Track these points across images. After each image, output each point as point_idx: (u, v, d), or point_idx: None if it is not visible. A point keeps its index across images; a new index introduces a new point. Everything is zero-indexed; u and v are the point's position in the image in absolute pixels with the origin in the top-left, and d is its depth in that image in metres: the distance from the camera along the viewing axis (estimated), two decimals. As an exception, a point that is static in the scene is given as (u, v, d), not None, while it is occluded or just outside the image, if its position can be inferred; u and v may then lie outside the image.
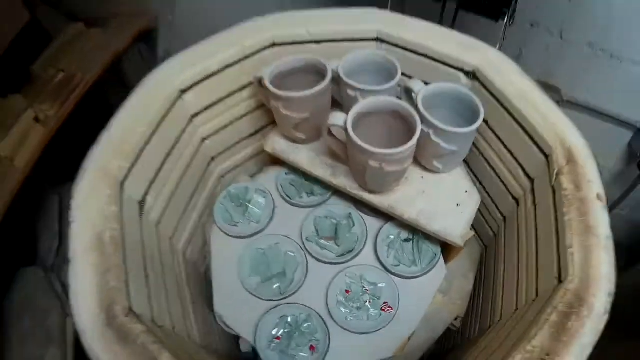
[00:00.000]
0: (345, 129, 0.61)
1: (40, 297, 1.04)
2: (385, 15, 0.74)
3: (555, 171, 0.56)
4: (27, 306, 1.03)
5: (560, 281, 0.48)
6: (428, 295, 0.68)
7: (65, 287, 1.03)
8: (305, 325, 0.66)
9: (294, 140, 0.74)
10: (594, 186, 0.53)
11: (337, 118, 0.62)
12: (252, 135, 0.84)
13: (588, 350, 0.42)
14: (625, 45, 0.99)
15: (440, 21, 0.99)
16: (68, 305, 1.01)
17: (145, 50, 1.23)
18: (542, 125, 0.59)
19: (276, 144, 0.75)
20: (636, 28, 0.96)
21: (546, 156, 0.59)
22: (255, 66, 0.72)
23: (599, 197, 0.53)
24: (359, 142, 0.58)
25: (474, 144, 0.71)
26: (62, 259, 1.10)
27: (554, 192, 0.55)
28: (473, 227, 0.78)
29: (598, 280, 0.46)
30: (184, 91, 0.67)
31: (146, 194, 0.62)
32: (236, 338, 0.75)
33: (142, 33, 1.16)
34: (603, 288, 0.46)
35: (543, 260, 0.55)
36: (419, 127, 0.59)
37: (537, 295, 0.53)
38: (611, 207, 1.40)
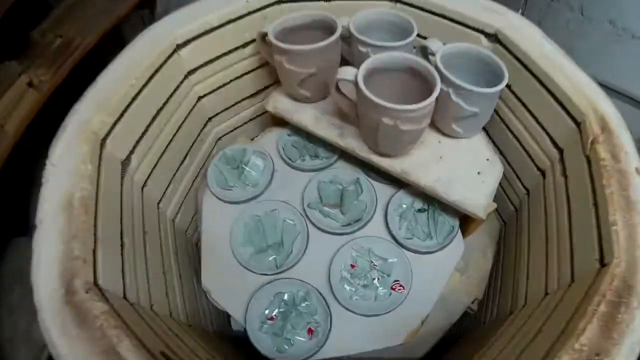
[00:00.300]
0: (356, 83, 0.54)
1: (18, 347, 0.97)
2: (401, -27, 0.68)
3: (590, 139, 0.49)
4: (18, 276, 0.97)
5: (603, 264, 0.41)
6: (444, 273, 0.60)
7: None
8: (303, 304, 0.58)
9: (298, 99, 0.67)
10: (632, 158, 0.47)
11: (346, 72, 0.55)
12: (253, 95, 0.77)
13: (638, 348, 0.35)
14: None
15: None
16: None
17: (148, 16, 1.20)
18: (572, 90, 0.53)
19: (279, 102, 0.69)
20: None
21: (577, 124, 0.52)
22: (259, 23, 0.67)
23: (637, 171, 0.46)
24: (372, 97, 0.52)
25: (495, 110, 0.64)
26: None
27: (589, 162, 0.49)
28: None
29: None
30: (180, 46, 0.61)
31: (131, 152, 0.56)
32: (228, 315, 0.67)
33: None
34: None
35: (579, 239, 0.48)
36: (439, 83, 0.53)
37: (572, 279, 0.46)
38: None
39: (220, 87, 0.70)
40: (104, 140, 0.50)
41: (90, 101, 0.51)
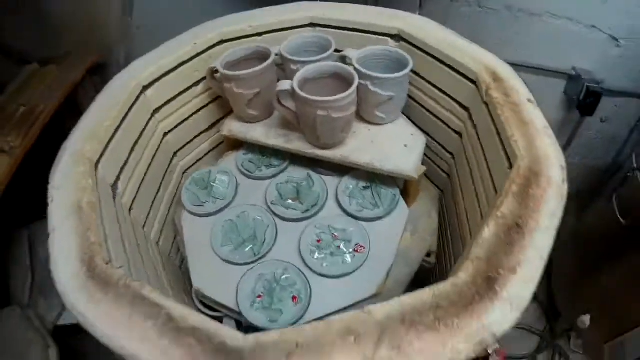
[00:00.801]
0: (293, 90, 0.68)
1: (20, 334, 1.04)
2: (314, 4, 0.85)
3: (485, 89, 0.63)
4: (6, 347, 1.01)
5: (511, 166, 0.53)
6: (396, 234, 0.72)
7: (43, 321, 1.05)
8: (283, 277, 0.67)
9: (248, 120, 0.81)
10: (523, 93, 0.61)
11: (284, 84, 0.69)
12: (209, 128, 0.89)
13: (557, 219, 0.46)
14: (538, 2, 1.13)
15: (366, 3, 1.09)
16: (49, 338, 1.02)
17: (99, 84, 1.30)
18: (465, 59, 0.68)
19: (232, 126, 0.81)
20: None
21: (474, 82, 0.67)
22: (207, 62, 0.80)
23: (529, 100, 0.60)
24: (307, 96, 0.66)
25: (410, 96, 0.80)
26: (37, 294, 1.10)
27: (487, 106, 0.63)
28: (426, 175, 0.86)
29: (547, 157, 0.51)
30: (145, 87, 0.73)
31: (117, 179, 0.65)
32: (220, 320, 0.74)
33: (95, 67, 1.24)
34: (554, 162, 0.51)
35: (494, 165, 0.59)
36: (357, 77, 0.68)
37: (496, 192, 0.56)
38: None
39: (181, 122, 0.82)
40: (96, 164, 0.59)
41: (80, 134, 0.61)
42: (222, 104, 0.87)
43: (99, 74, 1.32)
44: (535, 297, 1.46)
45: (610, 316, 1.17)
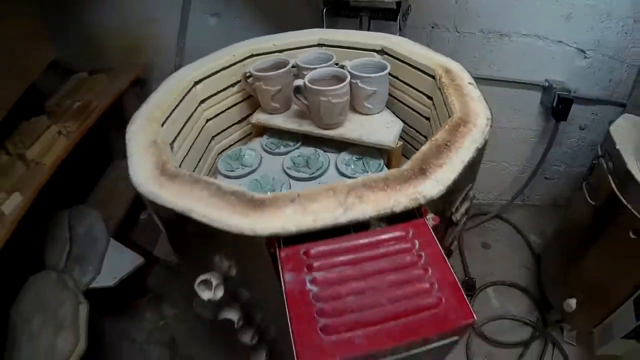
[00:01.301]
0: (305, 84, 0.95)
1: (54, 294, 1.21)
2: (322, 30, 1.15)
3: (438, 79, 0.88)
4: (37, 306, 1.19)
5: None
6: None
7: (77, 283, 1.23)
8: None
9: (271, 112, 1.07)
10: (465, 78, 0.86)
11: (298, 81, 0.96)
12: (240, 121, 1.16)
13: (477, 143, 0.69)
14: (509, 23, 1.39)
15: (360, 28, 1.38)
16: (81, 296, 1.20)
17: (140, 94, 1.59)
18: (427, 61, 0.94)
19: (259, 116, 1.08)
20: (511, 8, 1.36)
21: (432, 77, 0.92)
22: (241, 69, 1.08)
23: (470, 83, 0.85)
24: (314, 86, 0.92)
25: (392, 95, 1.05)
26: (72, 262, 1.30)
27: (440, 90, 0.88)
28: (405, 156, 1.08)
29: (476, 113, 0.75)
30: (196, 83, 1.00)
31: (173, 141, 0.89)
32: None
33: (136, 80, 1.52)
34: (482, 115, 0.75)
35: None
36: (349, 76, 0.94)
37: None
38: (544, 166, 1.71)
39: (220, 113, 1.09)
40: (162, 125, 0.85)
41: (148, 106, 0.87)
42: (251, 104, 1.14)
43: (139, 87, 1.61)
44: (527, 291, 1.60)
45: (594, 297, 1.30)
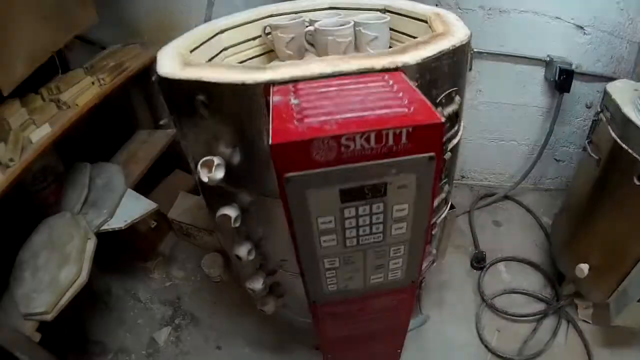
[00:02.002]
0: (315, 29, 1.07)
1: (66, 231, 1.28)
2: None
3: (429, 19, 0.97)
4: (46, 243, 1.26)
5: None
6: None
7: (89, 223, 1.31)
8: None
9: (287, 59, 1.19)
10: (452, 17, 0.95)
11: (310, 29, 1.09)
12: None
13: (455, 43, 0.77)
14: (506, 0, 1.46)
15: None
16: (91, 232, 1.27)
17: None
18: (424, 12, 1.03)
19: (275, 64, 1.20)
20: None
21: (425, 22, 1.02)
22: (262, 26, 1.22)
23: (457, 20, 0.94)
24: (324, 28, 1.04)
25: (390, 45, 1.15)
26: (88, 206, 1.38)
27: (431, 29, 0.97)
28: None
29: (457, 30, 0.84)
30: (222, 31, 1.14)
31: None
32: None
33: None
34: (461, 31, 0.84)
35: None
36: (352, 22, 1.06)
37: None
38: (554, 147, 1.71)
39: (240, 63, 1.22)
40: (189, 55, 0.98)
41: (176, 42, 1.00)
42: (269, 59, 1.27)
43: None
44: (539, 267, 1.58)
45: (606, 259, 1.29)
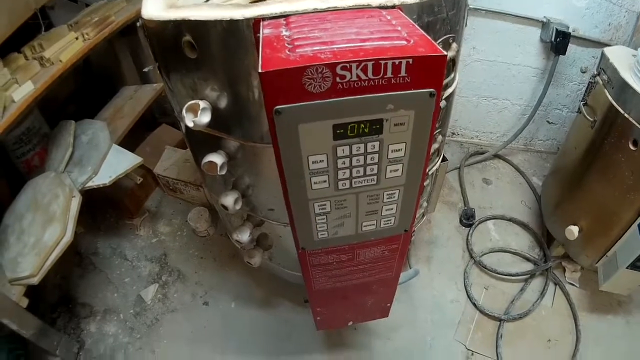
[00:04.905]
0: None
1: (50, 190, 1.24)
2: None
3: None
4: (30, 205, 1.23)
5: None
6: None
7: (74, 182, 1.27)
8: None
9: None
10: None
11: None
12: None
13: None
14: None
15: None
16: (75, 190, 1.23)
17: None
18: None
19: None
20: None
21: None
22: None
23: None
24: None
25: None
26: (72, 165, 1.34)
27: None
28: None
29: None
30: None
31: None
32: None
33: None
34: None
35: None
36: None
37: None
38: (547, 109, 1.70)
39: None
40: None
41: None
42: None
43: None
44: (527, 227, 1.60)
45: (597, 223, 1.29)
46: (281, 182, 0.59)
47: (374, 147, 0.55)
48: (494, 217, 1.66)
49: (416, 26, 0.55)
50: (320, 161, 0.55)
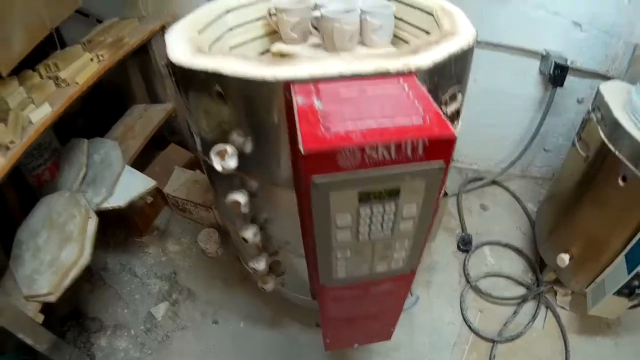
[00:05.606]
0: (321, 14, 1.06)
1: (66, 209, 1.28)
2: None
3: (435, 14, 0.99)
4: (45, 223, 1.26)
5: None
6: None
7: (89, 202, 1.30)
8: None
9: (290, 42, 1.19)
10: (458, 11, 0.97)
11: (316, 12, 1.08)
12: (262, 53, 1.27)
13: (463, 46, 0.79)
14: None
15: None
16: (92, 211, 1.28)
17: None
18: (429, 4, 1.04)
19: (279, 45, 1.18)
20: None
21: (431, 15, 1.03)
22: (266, 7, 1.21)
23: (460, 16, 0.96)
24: (330, 14, 1.04)
25: (397, 35, 1.16)
26: (87, 184, 1.39)
27: (437, 24, 0.98)
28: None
29: (464, 29, 0.86)
30: (228, 11, 1.13)
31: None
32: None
33: (166, 26, 1.61)
34: (468, 30, 0.86)
35: None
36: (358, 8, 1.06)
37: None
38: (544, 137, 1.77)
39: (243, 43, 1.20)
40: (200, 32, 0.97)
41: (184, 21, 0.98)
42: (273, 40, 1.26)
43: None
44: (521, 252, 1.67)
45: (587, 252, 1.36)
46: (307, 232, 0.66)
47: (391, 207, 0.62)
48: (490, 243, 1.73)
49: (430, 99, 0.62)
50: (346, 219, 0.62)
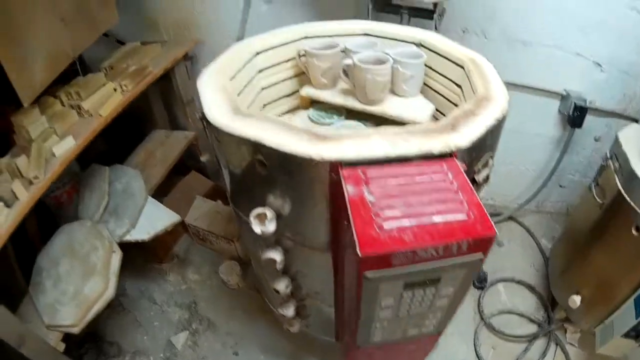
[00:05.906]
0: (354, 63, 1.08)
1: (88, 241, 1.28)
2: (367, 21, 1.29)
3: (466, 69, 1.01)
4: (66, 252, 1.26)
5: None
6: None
7: (112, 233, 1.30)
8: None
9: (320, 87, 1.21)
10: (489, 66, 1.00)
11: (348, 60, 1.10)
12: (290, 94, 1.29)
13: (497, 115, 0.81)
14: (532, 33, 1.50)
15: (400, 24, 1.48)
16: (115, 245, 1.28)
17: (189, 66, 1.71)
18: (458, 53, 1.07)
19: (309, 90, 1.21)
20: (534, 17, 1.47)
21: (462, 67, 1.05)
22: (294, 49, 1.22)
23: (492, 73, 0.98)
24: (362, 65, 1.06)
25: (426, 84, 1.18)
26: (109, 214, 1.39)
27: (468, 78, 1.00)
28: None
29: (497, 93, 0.88)
30: (258, 53, 1.15)
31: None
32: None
33: (187, 54, 1.63)
34: (501, 95, 0.87)
35: None
36: (391, 59, 1.08)
37: None
38: (560, 174, 1.80)
39: (273, 85, 1.23)
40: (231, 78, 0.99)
41: (215, 64, 1.01)
42: (301, 81, 1.28)
43: (190, 61, 1.73)
44: (534, 289, 1.69)
45: (598, 294, 1.39)
46: (340, 288, 0.68)
47: (431, 291, 0.66)
48: (504, 280, 1.75)
49: (472, 189, 0.65)
50: (389, 301, 0.65)
